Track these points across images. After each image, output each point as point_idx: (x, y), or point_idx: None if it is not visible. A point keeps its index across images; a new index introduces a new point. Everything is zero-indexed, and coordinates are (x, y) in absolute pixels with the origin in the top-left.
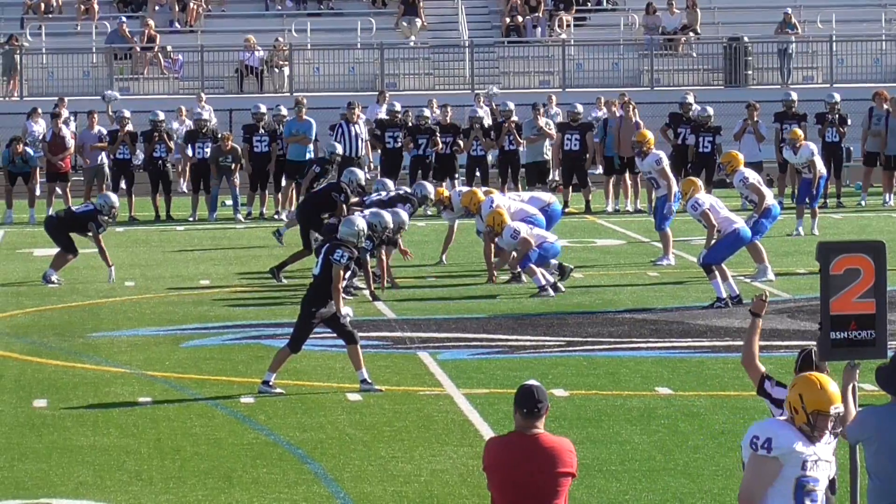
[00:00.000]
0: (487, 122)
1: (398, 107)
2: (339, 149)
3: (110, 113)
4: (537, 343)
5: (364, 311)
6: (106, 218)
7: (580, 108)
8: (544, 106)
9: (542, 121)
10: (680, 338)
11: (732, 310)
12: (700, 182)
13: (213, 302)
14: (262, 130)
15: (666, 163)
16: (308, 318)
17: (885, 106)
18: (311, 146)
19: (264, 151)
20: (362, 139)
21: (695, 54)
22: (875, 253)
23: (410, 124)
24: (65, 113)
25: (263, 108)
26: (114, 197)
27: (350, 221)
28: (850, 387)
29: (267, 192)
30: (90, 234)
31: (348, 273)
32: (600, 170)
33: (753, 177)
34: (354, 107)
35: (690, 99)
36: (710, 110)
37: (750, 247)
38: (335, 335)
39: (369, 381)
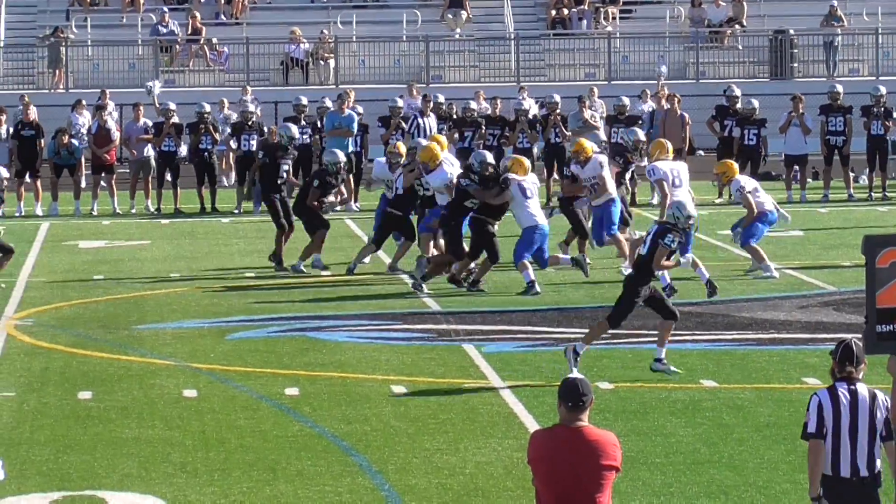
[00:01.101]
0: (533, 113)
1: (441, 99)
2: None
3: (156, 104)
4: (582, 335)
5: (409, 304)
6: None
7: (627, 100)
8: (589, 98)
9: (587, 113)
10: (725, 330)
11: (778, 302)
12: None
13: (259, 294)
14: (303, 122)
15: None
16: (631, 297)
17: None
18: (352, 139)
19: (306, 143)
20: (433, 131)
21: (740, 47)
22: None
23: (455, 116)
24: (110, 105)
25: (304, 100)
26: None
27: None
28: None
29: None
30: None
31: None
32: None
33: (749, 186)
34: (429, 99)
35: (737, 91)
36: (756, 103)
37: (748, 250)
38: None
39: (664, 361)
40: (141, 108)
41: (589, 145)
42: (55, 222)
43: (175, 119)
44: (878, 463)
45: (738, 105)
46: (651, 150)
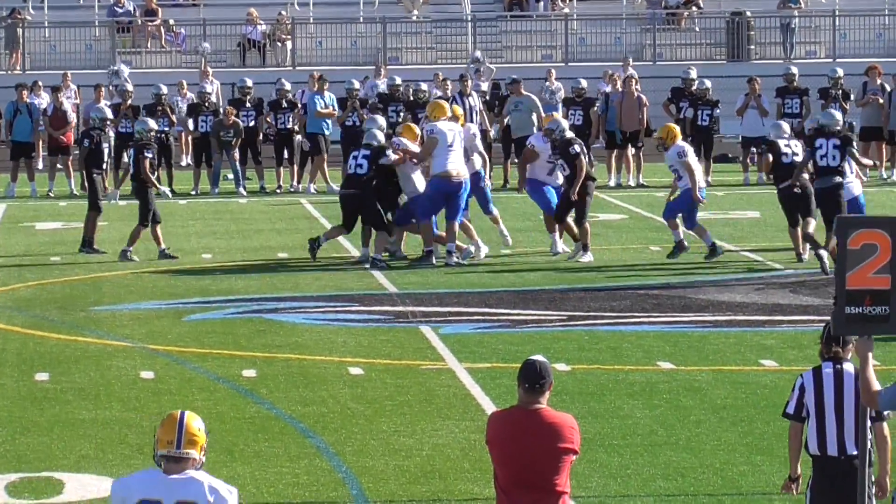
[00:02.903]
0: (486, 96)
1: (398, 81)
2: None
3: (127, 89)
4: (539, 317)
5: (366, 286)
6: None
7: (584, 83)
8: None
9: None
10: (681, 312)
11: (734, 285)
12: (678, 129)
13: (215, 276)
14: (248, 105)
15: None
16: None
17: (879, 81)
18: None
19: (250, 126)
20: (477, 110)
21: (697, 29)
22: (893, 229)
23: (410, 98)
24: (71, 87)
25: (249, 82)
26: None
27: None
28: (869, 357)
29: (263, 166)
30: None
31: None
32: (602, 144)
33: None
34: (466, 78)
35: (693, 74)
36: (708, 83)
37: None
38: (335, 308)
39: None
40: (102, 89)
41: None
42: (12, 204)
43: (132, 100)
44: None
45: (694, 87)
46: (663, 134)
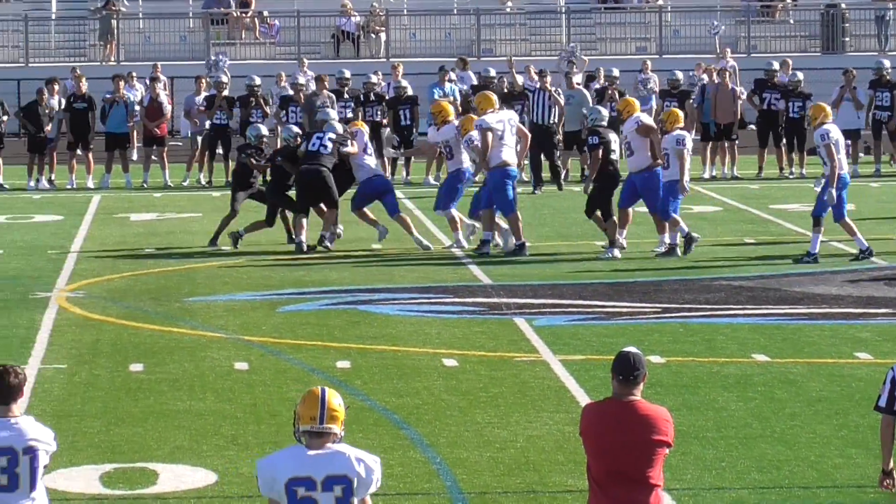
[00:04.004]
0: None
1: (493, 73)
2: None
3: (223, 79)
4: (633, 309)
5: (460, 277)
6: None
7: (680, 74)
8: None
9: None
10: (776, 305)
11: (829, 277)
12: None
13: (310, 267)
14: (346, 96)
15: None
16: None
17: None
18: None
19: (348, 118)
20: (553, 106)
21: (792, 21)
22: None
23: (505, 90)
24: (163, 78)
25: (348, 73)
26: None
27: None
28: None
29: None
30: None
31: None
32: (697, 136)
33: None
34: (545, 74)
35: (776, 65)
36: (800, 75)
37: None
38: (430, 300)
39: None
40: (203, 81)
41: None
42: (106, 195)
43: (226, 92)
44: None
45: (777, 78)
46: (813, 113)
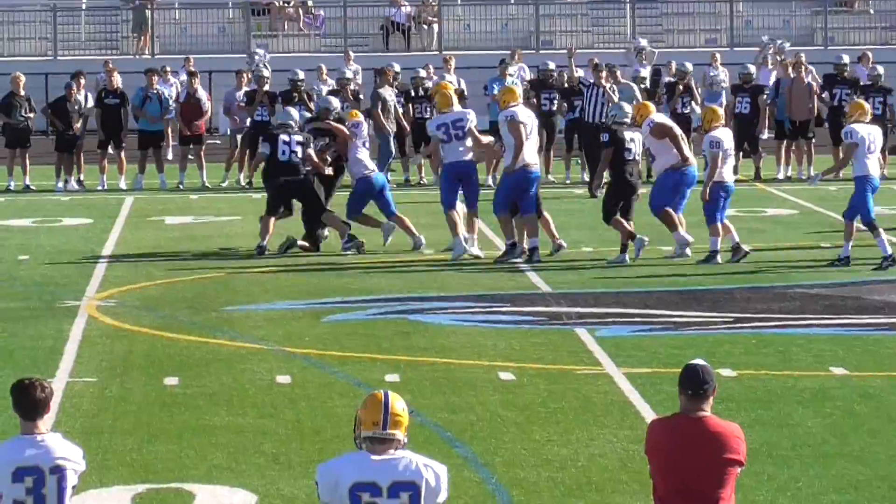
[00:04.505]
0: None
1: (552, 66)
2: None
3: (247, 73)
4: (703, 319)
5: (517, 285)
6: None
7: (752, 68)
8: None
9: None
10: (855, 314)
11: None
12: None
13: (356, 274)
14: (395, 90)
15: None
16: None
17: None
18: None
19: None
20: (606, 103)
21: (872, 11)
22: None
23: (566, 86)
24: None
25: (397, 67)
26: None
27: None
28: None
29: (408, 157)
30: None
31: None
32: (770, 134)
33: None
34: (601, 68)
35: (846, 59)
36: (881, 69)
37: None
38: (484, 310)
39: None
40: (243, 75)
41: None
42: (140, 196)
43: (268, 87)
44: None
45: (847, 73)
46: (850, 110)
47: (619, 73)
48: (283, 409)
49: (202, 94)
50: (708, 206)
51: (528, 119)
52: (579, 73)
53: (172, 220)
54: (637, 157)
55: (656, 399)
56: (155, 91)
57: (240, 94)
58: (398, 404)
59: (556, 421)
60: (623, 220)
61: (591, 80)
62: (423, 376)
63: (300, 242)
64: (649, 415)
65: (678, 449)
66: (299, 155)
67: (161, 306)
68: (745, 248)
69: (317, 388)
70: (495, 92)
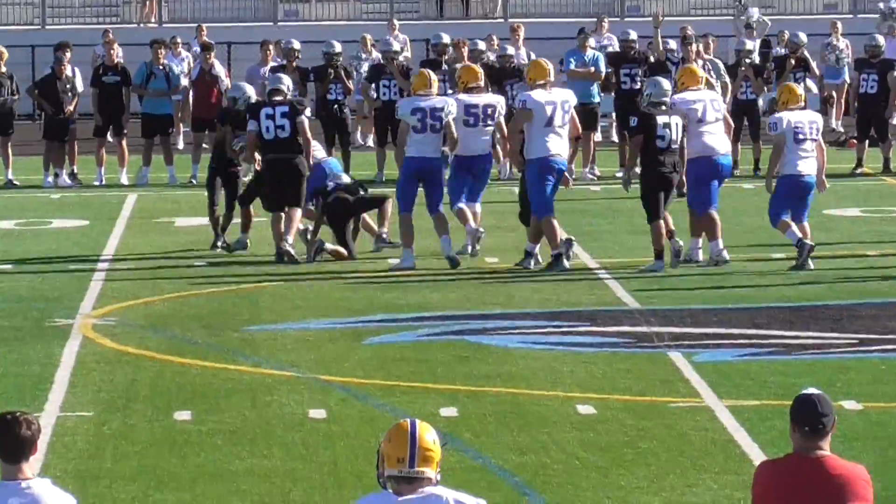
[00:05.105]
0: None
1: (633, 35)
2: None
3: (274, 45)
4: (821, 341)
5: (598, 300)
6: None
7: (880, 39)
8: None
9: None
10: None
11: None
12: None
13: (405, 286)
14: (444, 67)
15: None
16: None
17: None
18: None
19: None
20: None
21: None
22: None
23: (652, 60)
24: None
25: (446, 38)
26: None
27: None
28: None
29: None
30: None
31: None
32: None
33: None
34: (691, 40)
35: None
36: None
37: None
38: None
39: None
40: (270, 47)
41: None
42: (144, 193)
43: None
44: None
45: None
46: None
47: (712, 44)
48: (317, 450)
49: (219, 70)
50: (772, 204)
51: (546, 105)
52: (671, 44)
53: (183, 221)
54: (673, 146)
55: (766, 437)
56: (162, 67)
57: (265, 71)
58: (428, 436)
59: (645, 464)
60: (661, 224)
61: (681, 54)
62: (485, 410)
63: (330, 247)
64: (757, 456)
65: (792, 495)
66: (287, 130)
67: (170, 325)
68: (808, 242)
69: (357, 424)
70: (572, 67)
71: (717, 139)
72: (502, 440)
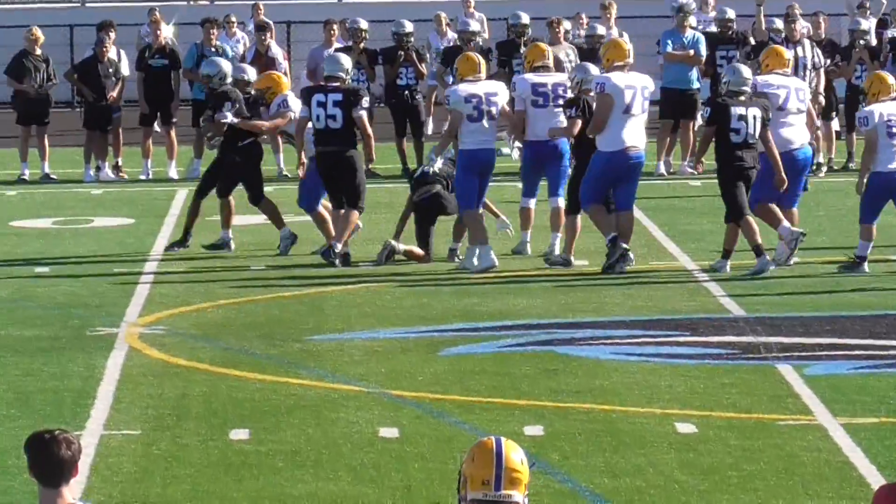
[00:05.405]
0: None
1: (731, 14)
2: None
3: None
4: None
5: (699, 306)
6: None
7: None
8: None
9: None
10: None
11: None
12: None
13: (484, 291)
14: (523, 49)
15: None
16: None
17: None
18: None
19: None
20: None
21: None
22: None
23: (753, 42)
24: (269, 21)
25: (525, 18)
26: None
27: None
28: None
29: None
30: None
31: None
32: None
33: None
34: (794, 19)
35: None
36: None
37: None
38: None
39: None
40: (335, 26)
41: None
42: (195, 188)
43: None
44: None
45: None
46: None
47: (823, 24)
48: (389, 473)
49: (276, 51)
50: (863, 202)
51: (625, 90)
52: (777, 23)
53: (239, 220)
54: (751, 140)
55: (885, 458)
56: (214, 49)
57: (329, 52)
58: (515, 455)
59: (752, 488)
60: (752, 220)
61: (782, 38)
62: (575, 428)
63: (402, 248)
64: (876, 480)
65: None
66: (339, 121)
67: (225, 335)
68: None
69: (433, 443)
70: (669, 49)
71: (796, 131)
72: (593, 462)
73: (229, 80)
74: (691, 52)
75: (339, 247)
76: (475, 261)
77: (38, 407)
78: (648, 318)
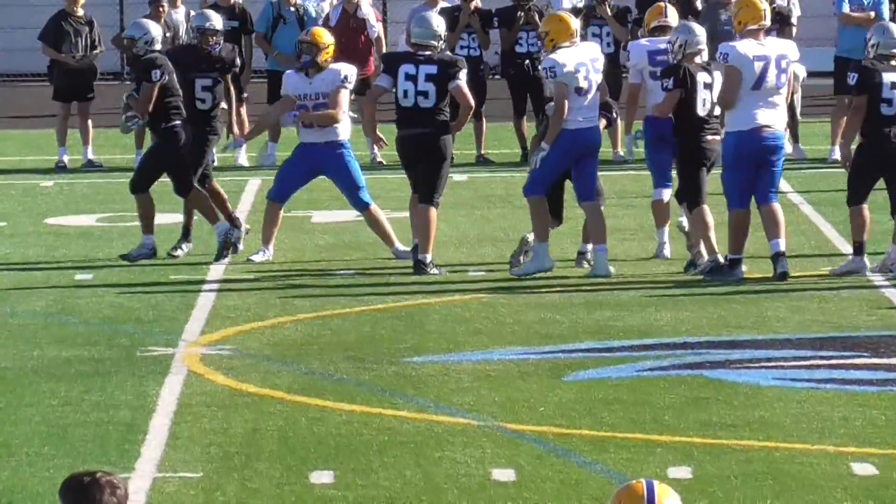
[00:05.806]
0: None
1: None
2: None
3: None
4: None
5: (881, 321)
6: None
7: None
8: None
9: None
10: None
11: None
12: None
13: (621, 302)
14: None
15: None
16: None
17: None
18: None
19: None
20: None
21: None
22: None
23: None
24: None
25: None
26: None
27: None
28: None
29: None
30: None
31: None
32: None
33: None
34: None
35: None
36: None
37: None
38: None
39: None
40: None
41: None
42: (270, 177)
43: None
44: None
45: None
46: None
47: None
48: None
49: (367, 12)
50: None
51: (755, 62)
52: None
53: (322, 216)
54: None
55: None
56: (294, 9)
57: (426, 14)
58: (669, 501)
59: None
60: (865, 210)
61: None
62: (730, 470)
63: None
64: None
65: None
66: (431, 98)
67: (305, 356)
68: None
69: (557, 488)
70: (845, 10)
71: None
72: None
73: (157, 45)
74: (872, 13)
75: (428, 258)
76: (521, 258)
77: (77, 444)
78: (819, 336)
